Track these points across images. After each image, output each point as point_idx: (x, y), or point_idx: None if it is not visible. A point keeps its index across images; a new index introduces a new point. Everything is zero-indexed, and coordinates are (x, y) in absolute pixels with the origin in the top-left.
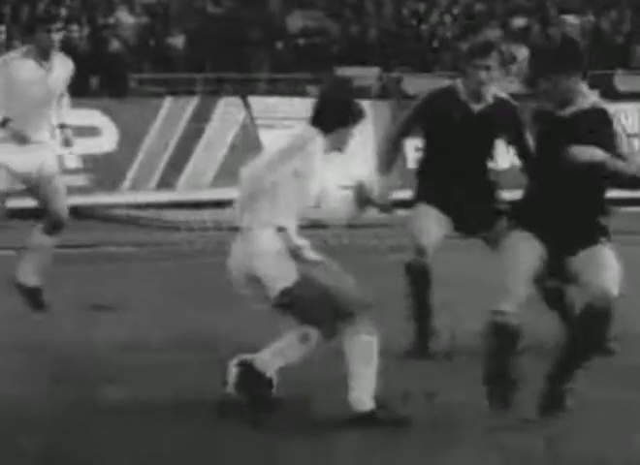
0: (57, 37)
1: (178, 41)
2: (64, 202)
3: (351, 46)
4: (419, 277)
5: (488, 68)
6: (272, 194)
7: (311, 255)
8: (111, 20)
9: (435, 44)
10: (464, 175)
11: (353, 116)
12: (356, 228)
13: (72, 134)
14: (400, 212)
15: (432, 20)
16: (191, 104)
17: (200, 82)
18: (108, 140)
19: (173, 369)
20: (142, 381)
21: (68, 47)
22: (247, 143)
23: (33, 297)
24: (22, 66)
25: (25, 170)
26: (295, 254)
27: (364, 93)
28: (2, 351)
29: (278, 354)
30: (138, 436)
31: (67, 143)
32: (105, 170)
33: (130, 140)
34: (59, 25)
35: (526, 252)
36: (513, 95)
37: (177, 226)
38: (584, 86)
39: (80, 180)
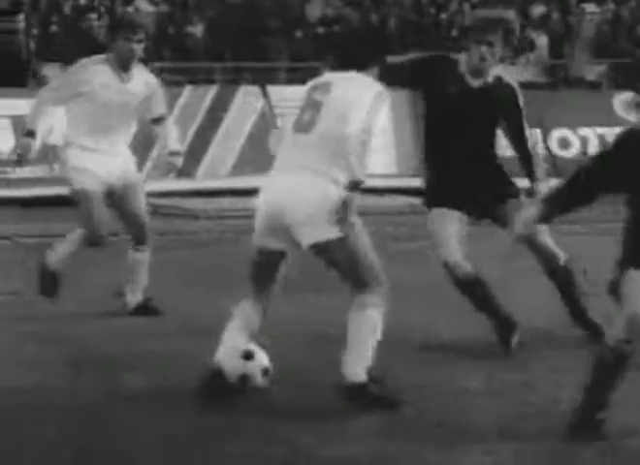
0: (139, 47)
1: (198, 29)
2: (145, 211)
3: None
4: (474, 288)
5: (490, 44)
6: (338, 148)
7: (353, 216)
8: (130, 9)
9: (454, 32)
10: (467, 159)
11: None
12: (371, 215)
13: (180, 161)
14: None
15: (451, 9)
16: (210, 92)
17: (219, 71)
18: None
19: (191, 357)
20: (160, 368)
21: (88, 38)
22: (266, 132)
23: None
24: (97, 72)
25: (109, 179)
26: (342, 211)
27: None
28: (22, 339)
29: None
30: (157, 423)
31: (171, 170)
32: None
33: (149, 130)
34: (141, 36)
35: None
36: (531, 83)
37: (196, 214)
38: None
39: None
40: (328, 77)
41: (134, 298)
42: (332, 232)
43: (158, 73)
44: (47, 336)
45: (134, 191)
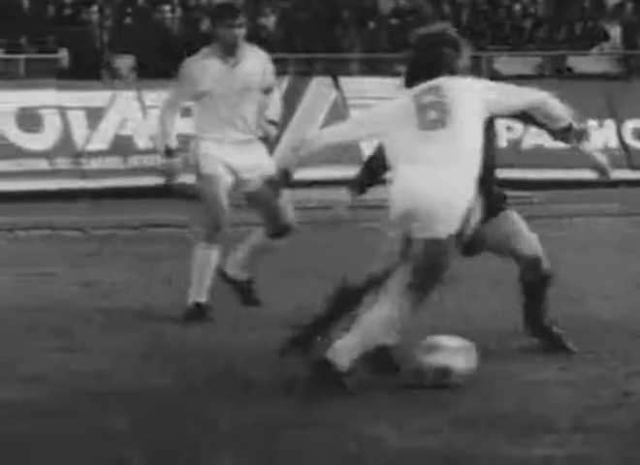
0: (241, 31)
1: (270, 21)
2: (288, 206)
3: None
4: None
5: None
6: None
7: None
8: (202, 1)
9: (528, 23)
10: None
11: None
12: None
13: (274, 131)
14: None
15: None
16: (283, 83)
17: (291, 62)
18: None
19: (260, 347)
20: (230, 358)
21: (161, 30)
22: (339, 123)
23: (244, 291)
24: (205, 66)
25: (240, 173)
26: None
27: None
28: (95, 328)
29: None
30: (225, 412)
31: (266, 140)
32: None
33: None
34: (242, 20)
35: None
36: (605, 73)
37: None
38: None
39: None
40: (433, 82)
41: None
42: (443, 234)
43: None
44: (119, 326)
45: (262, 191)
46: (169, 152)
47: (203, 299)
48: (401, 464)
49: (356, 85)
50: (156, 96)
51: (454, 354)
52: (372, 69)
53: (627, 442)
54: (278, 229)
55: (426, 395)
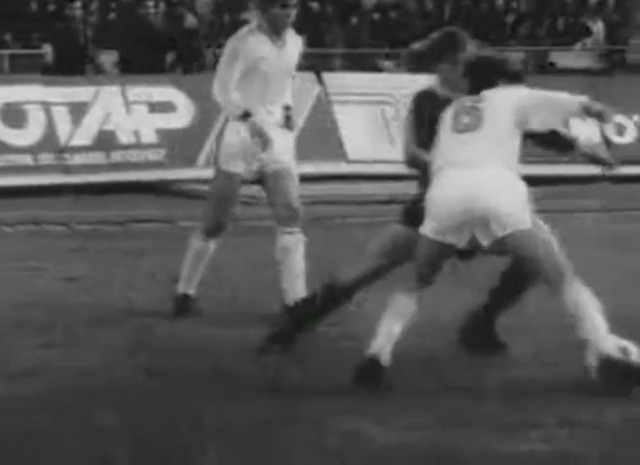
0: (294, 12)
1: (253, 15)
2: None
3: (427, 21)
4: None
5: None
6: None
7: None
8: None
9: (510, 18)
10: None
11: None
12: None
13: (291, 115)
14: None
15: None
16: None
17: None
18: (184, 115)
19: (247, 343)
20: (217, 354)
21: (144, 25)
22: (321, 119)
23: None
24: (256, 42)
25: (258, 164)
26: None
27: None
28: (80, 324)
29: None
30: (212, 409)
31: (287, 124)
32: (181, 146)
33: (206, 115)
34: (295, 1)
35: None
36: (588, 69)
37: (254, 201)
38: None
39: (157, 156)
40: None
41: (294, 290)
42: (527, 223)
43: (215, 59)
44: (104, 321)
45: (284, 175)
46: (247, 115)
47: (192, 292)
48: (385, 461)
49: (339, 81)
50: (140, 91)
51: None
52: (355, 64)
53: (612, 438)
54: (289, 213)
55: (411, 392)
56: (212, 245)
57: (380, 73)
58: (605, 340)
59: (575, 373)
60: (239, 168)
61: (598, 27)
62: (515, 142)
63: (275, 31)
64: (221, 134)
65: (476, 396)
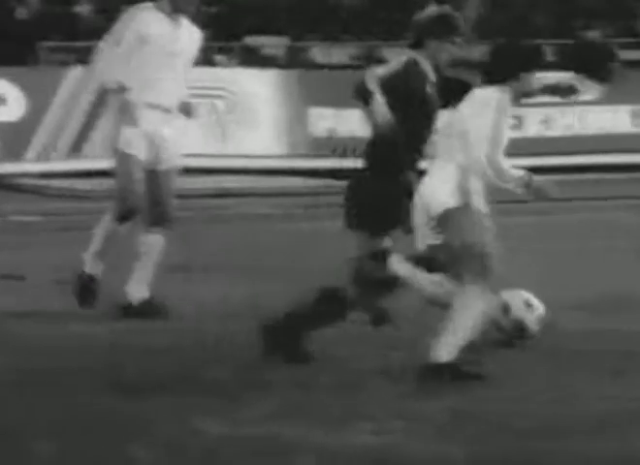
0: None
1: (85, 8)
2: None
3: (260, 14)
4: None
5: None
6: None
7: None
8: None
9: (344, 14)
10: None
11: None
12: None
13: (192, 106)
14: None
15: None
16: None
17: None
18: (15, 109)
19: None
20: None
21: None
22: None
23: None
24: (150, 18)
25: (151, 154)
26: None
27: (271, 62)
28: None
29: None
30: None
31: (187, 114)
32: (11, 139)
33: (37, 109)
34: None
35: None
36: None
37: (87, 195)
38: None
39: None
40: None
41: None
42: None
43: (48, 52)
44: None
45: (167, 172)
46: (122, 89)
47: (98, 273)
48: (219, 453)
49: None
50: None
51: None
52: None
53: (445, 429)
54: (160, 216)
55: (245, 385)
56: (123, 230)
57: (215, 67)
58: (450, 355)
59: (409, 365)
60: (136, 150)
61: None
62: None
63: (175, 9)
64: (122, 118)
65: (307, 388)
